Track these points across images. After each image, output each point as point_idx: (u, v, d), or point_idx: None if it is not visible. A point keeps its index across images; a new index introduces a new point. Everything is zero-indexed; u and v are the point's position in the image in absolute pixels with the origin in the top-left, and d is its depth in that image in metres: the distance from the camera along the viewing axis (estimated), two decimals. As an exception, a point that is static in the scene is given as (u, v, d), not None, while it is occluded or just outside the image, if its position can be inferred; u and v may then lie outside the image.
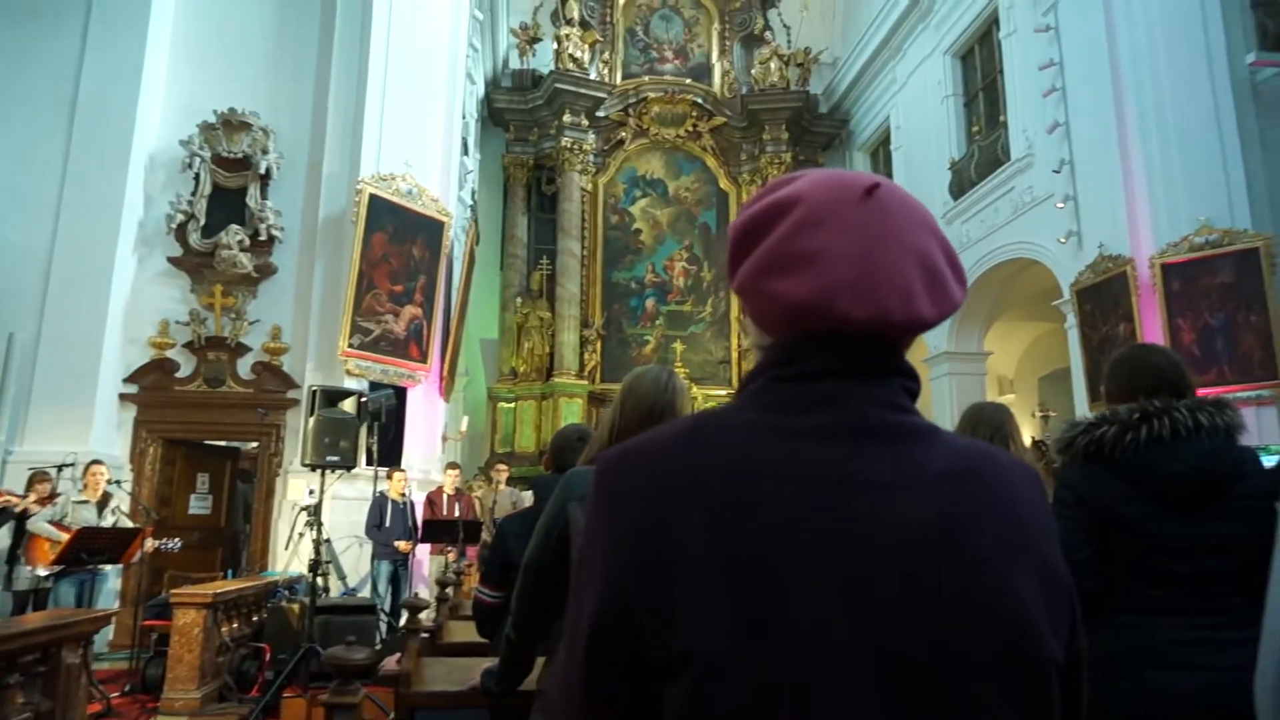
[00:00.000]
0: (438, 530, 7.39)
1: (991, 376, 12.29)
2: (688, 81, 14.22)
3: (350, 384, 7.73)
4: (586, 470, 1.84)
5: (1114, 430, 1.85)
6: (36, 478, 6.62)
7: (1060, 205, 9.04)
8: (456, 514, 7.79)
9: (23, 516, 6.30)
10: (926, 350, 11.49)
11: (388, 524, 7.41)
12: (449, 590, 3.50)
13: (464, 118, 10.61)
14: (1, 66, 8.22)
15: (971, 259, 10.51)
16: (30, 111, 8.17)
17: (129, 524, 6.49)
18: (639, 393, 1.88)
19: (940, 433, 0.72)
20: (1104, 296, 8.52)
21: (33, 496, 6.32)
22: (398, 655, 2.27)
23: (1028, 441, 5.09)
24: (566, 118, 13.48)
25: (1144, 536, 1.78)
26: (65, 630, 4.00)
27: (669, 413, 1.85)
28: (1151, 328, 8.02)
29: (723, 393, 13.34)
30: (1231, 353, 7.70)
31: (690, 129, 14.14)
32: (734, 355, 13.69)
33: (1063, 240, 9.00)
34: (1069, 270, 8.98)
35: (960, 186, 11.10)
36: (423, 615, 2.44)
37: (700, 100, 14.08)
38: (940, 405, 10.89)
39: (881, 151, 13.84)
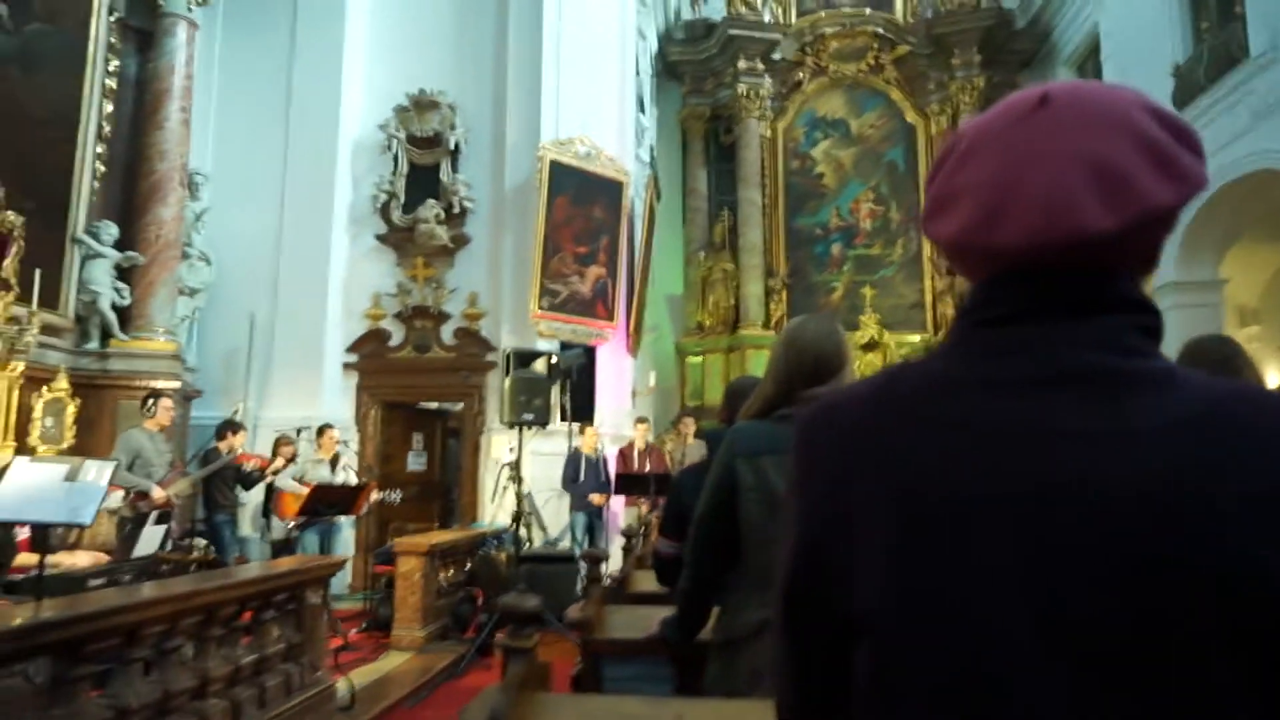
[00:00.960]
0: (630, 483, 7.64)
1: (1231, 307, 10.93)
2: (867, 11, 13.46)
3: (542, 345, 8.10)
4: (749, 426, 1.83)
5: None
6: (281, 441, 7.46)
7: (1315, 104, 7.82)
8: (648, 468, 8.00)
9: (273, 476, 7.14)
10: (1150, 282, 10.38)
11: (582, 478, 7.75)
12: (634, 541, 3.61)
13: (638, 74, 10.67)
14: (229, 74, 9.21)
15: (1203, 175, 9.32)
16: (254, 112, 9.11)
17: (356, 480, 7.18)
18: (803, 342, 1.83)
19: (1180, 375, 0.62)
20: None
21: (279, 460, 7.12)
22: (581, 602, 2.38)
23: (1272, 382, 4.49)
24: (741, 64, 13.19)
25: None
26: (308, 574, 4.51)
27: (837, 359, 1.80)
28: None
29: (916, 338, 12.77)
30: None
31: (872, 62, 13.42)
32: (928, 299, 13.02)
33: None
34: (1330, 179, 7.77)
35: (1186, 94, 9.84)
36: (603, 565, 2.53)
37: (881, 30, 13.30)
38: (1169, 344, 9.80)
39: (1090, 64, 12.50)
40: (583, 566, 7.43)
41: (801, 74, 13.58)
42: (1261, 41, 8.63)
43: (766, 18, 13.47)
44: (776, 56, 13.41)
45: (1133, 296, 0.64)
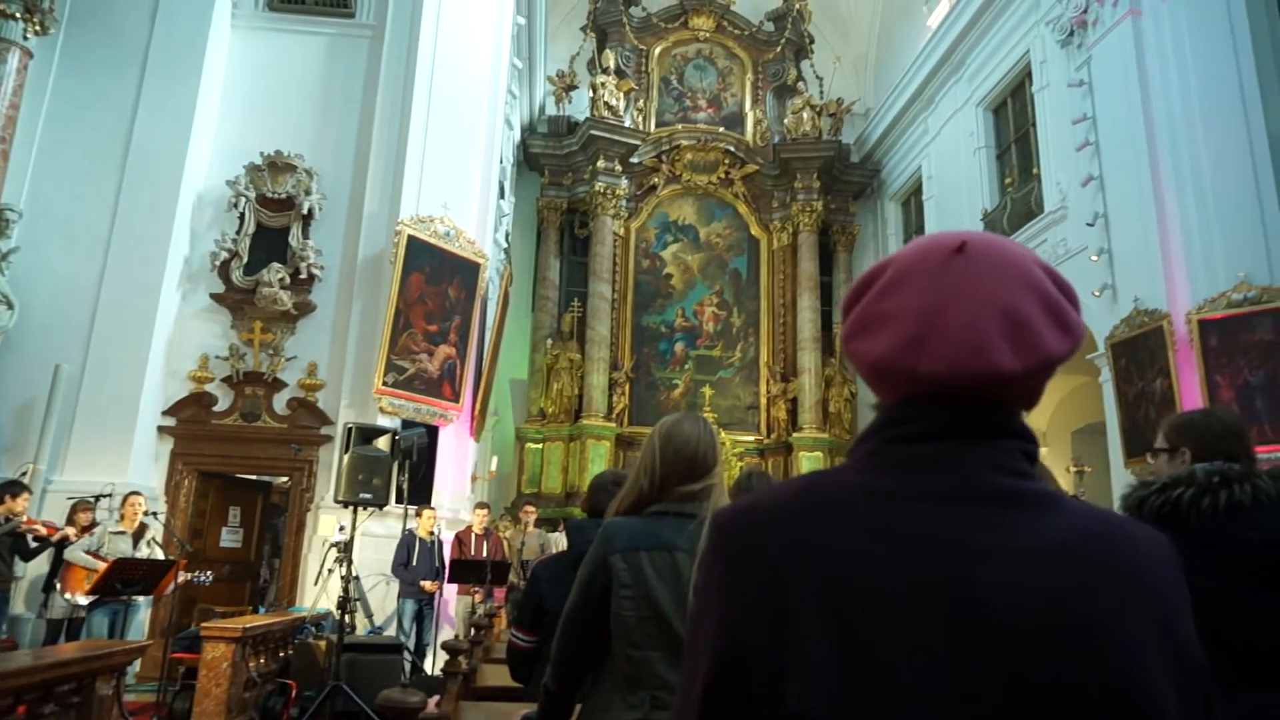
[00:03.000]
0: (466, 570, 7.38)
1: (1023, 429, 12.10)
2: (721, 130, 14.42)
3: (383, 421, 7.81)
4: (624, 521, 1.81)
5: (1191, 493, 1.72)
6: (79, 506, 6.73)
7: (1095, 259, 9.00)
8: (485, 554, 7.78)
9: (61, 545, 6.39)
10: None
11: (414, 562, 7.42)
12: (481, 633, 3.49)
13: (501, 162, 10.82)
14: (63, 105, 8.52)
15: (1004, 310, 10.44)
16: (86, 149, 8.45)
17: (163, 556, 6.55)
18: (679, 439, 1.85)
19: (1063, 499, 0.71)
20: (1140, 351, 8.42)
21: (73, 527, 6.41)
22: (436, 698, 2.28)
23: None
24: (601, 163, 13.69)
25: (1219, 608, 1.67)
26: (100, 661, 4.03)
27: (710, 457, 1.83)
28: (1189, 383, 7.91)
29: (750, 438, 13.29)
30: (1273, 410, 7.56)
31: (722, 176, 14.29)
32: (762, 401, 13.66)
33: (1096, 294, 8.93)
34: (1103, 324, 8.89)
35: (993, 237, 11.07)
36: (460, 658, 2.44)
37: (733, 148, 14.25)
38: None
39: (913, 202, 13.88)
40: (408, 657, 7.06)
41: (657, 179, 14.25)
42: (1053, 200, 9.91)
43: (627, 123, 14.13)
44: (634, 160, 14.04)
45: (1024, 426, 0.72)
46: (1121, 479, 8.49)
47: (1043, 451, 12.79)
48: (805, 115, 14.14)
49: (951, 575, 0.64)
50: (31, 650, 5.57)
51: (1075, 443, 12.78)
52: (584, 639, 1.77)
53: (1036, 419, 12.90)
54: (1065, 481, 11.70)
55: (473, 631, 3.38)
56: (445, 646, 2.40)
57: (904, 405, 0.72)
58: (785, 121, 14.44)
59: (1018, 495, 0.69)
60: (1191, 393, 7.81)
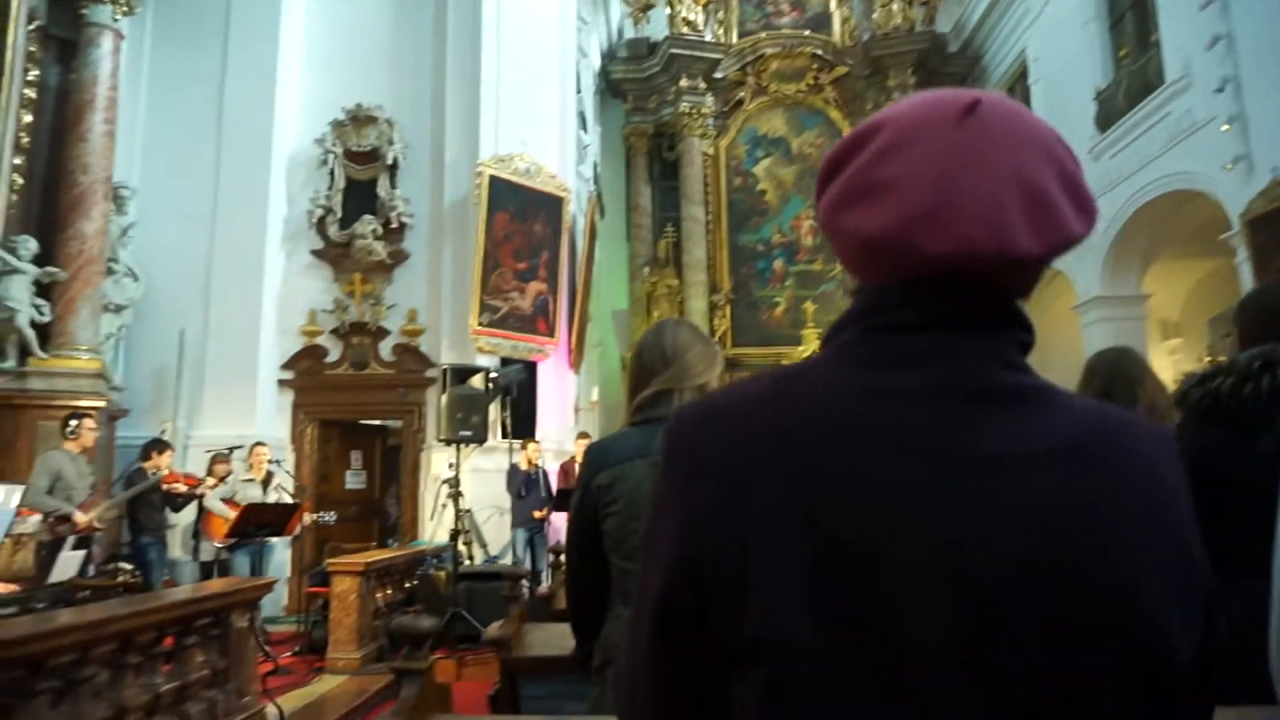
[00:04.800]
0: (568, 498, 7.60)
1: (1154, 321, 11.34)
2: (806, 33, 13.76)
3: (482, 361, 8.05)
4: (607, 439, 1.78)
5: (1231, 381, 1.59)
6: (216, 459, 7.26)
7: (1226, 128, 8.17)
8: (588, 483, 7.97)
9: (202, 496, 6.94)
10: (1075, 296, 10.74)
11: (524, 493, 7.70)
12: (561, 558, 3.59)
13: (579, 92, 10.71)
14: (159, 87, 8.98)
15: (1124, 195, 9.70)
16: (185, 122, 8.90)
17: (289, 500, 7.02)
18: (655, 344, 1.76)
19: (1062, 395, 0.63)
20: None
21: (209, 480, 6.94)
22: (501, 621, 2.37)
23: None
24: (684, 82, 13.35)
25: (1267, 501, 1.58)
26: (233, 597, 4.38)
27: (693, 359, 1.74)
28: (1338, 257, 7.16)
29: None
30: None
31: (811, 82, 13.70)
32: (867, 313, 13.27)
33: (1229, 167, 8.13)
34: (1238, 199, 8.11)
35: (1108, 117, 10.22)
36: (525, 582, 2.51)
37: (820, 51, 13.59)
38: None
39: (1019, 87, 12.92)
40: (524, 583, 7.39)
41: (743, 93, 13.79)
42: (1175, 68, 9.01)
43: (708, 37, 13.67)
44: (718, 75, 13.61)
45: (1023, 315, 0.65)
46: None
47: (1176, 342, 12.00)
48: (895, 7, 13.30)
49: (946, 484, 0.57)
50: (181, 587, 6.12)
51: (1212, 330, 11.87)
52: (588, 563, 1.75)
53: (1168, 308, 12.07)
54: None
55: (552, 557, 3.48)
56: (505, 573, 2.47)
57: (893, 289, 0.63)
58: (874, 16, 13.62)
59: (1018, 391, 0.61)
60: (1340, 267, 7.07)
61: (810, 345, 12.44)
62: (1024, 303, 0.66)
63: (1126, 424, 0.64)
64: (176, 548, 7.79)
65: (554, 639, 2.38)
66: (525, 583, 7.31)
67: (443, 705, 1.45)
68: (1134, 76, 9.76)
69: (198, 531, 7.07)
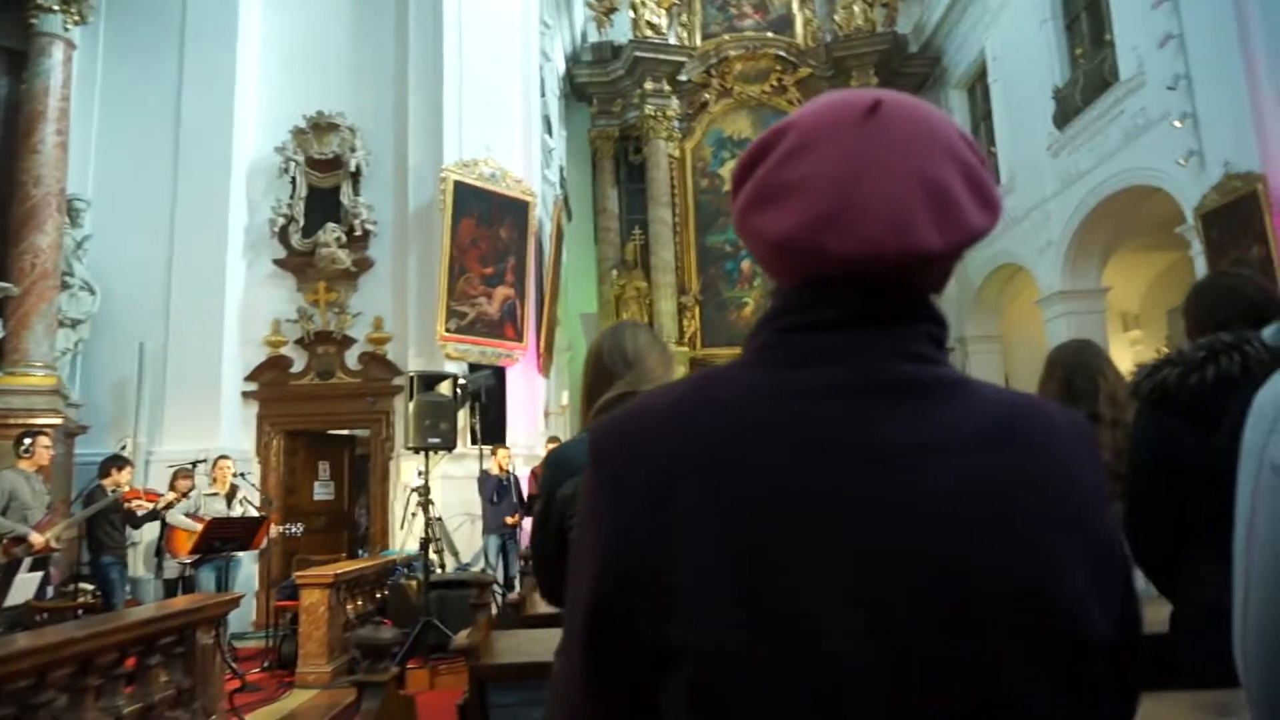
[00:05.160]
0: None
1: (1114, 313, 11.55)
2: (769, 35, 13.84)
3: (450, 367, 7.98)
4: (566, 446, 1.75)
5: (1177, 371, 1.63)
6: (179, 474, 7.13)
7: (1178, 124, 8.33)
8: (559, 488, 7.93)
9: (165, 511, 6.81)
10: (1038, 291, 10.90)
11: (495, 499, 7.64)
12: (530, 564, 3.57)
13: (543, 96, 10.68)
14: (113, 97, 8.81)
15: (1083, 191, 9.87)
16: (141, 132, 8.74)
17: (255, 513, 6.91)
18: (608, 350, 1.74)
19: (975, 385, 0.64)
20: (1232, 219, 7.83)
21: (170, 495, 6.81)
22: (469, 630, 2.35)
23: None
24: (648, 85, 13.37)
25: (1217, 488, 1.59)
26: (197, 614, 4.30)
27: (645, 362, 1.72)
28: (1289, 248, 7.33)
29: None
30: (1385, 269, 6.96)
31: (775, 84, 13.78)
32: (835, 312, 13.37)
33: (1183, 162, 8.30)
34: (1191, 194, 8.29)
35: (1066, 115, 10.40)
36: (496, 588, 2.49)
37: (783, 53, 13.68)
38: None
39: (978, 87, 13.12)
40: (496, 590, 7.33)
41: (707, 95, 13.84)
42: (1130, 66, 9.19)
43: (672, 40, 13.71)
44: (683, 78, 13.65)
45: (933, 309, 0.65)
46: (1217, 357, 8.00)
47: (1136, 334, 12.21)
48: (856, 9, 13.43)
49: (858, 479, 0.58)
50: (138, 607, 6.00)
51: (1171, 322, 12.11)
52: (555, 574, 1.72)
53: (1128, 301, 12.30)
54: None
55: (522, 563, 3.45)
56: (473, 580, 2.45)
57: (803, 290, 0.64)
58: (836, 18, 13.75)
59: (927, 384, 0.62)
60: (1291, 258, 7.24)
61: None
62: (937, 296, 0.67)
63: (1039, 412, 0.65)
64: (139, 566, 7.64)
65: (524, 645, 2.35)
66: (497, 589, 7.30)
67: (407, 717, 1.42)
68: (1090, 75, 9.94)
69: (161, 549, 6.94)
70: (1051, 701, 0.56)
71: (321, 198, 8.79)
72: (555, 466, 1.70)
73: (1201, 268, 8.35)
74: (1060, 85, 10.55)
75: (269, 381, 8.72)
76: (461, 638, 2.33)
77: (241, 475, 7.15)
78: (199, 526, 6.24)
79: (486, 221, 8.51)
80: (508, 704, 2.24)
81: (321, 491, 9.16)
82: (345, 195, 8.79)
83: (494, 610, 6.83)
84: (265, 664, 6.33)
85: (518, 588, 7.73)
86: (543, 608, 3.29)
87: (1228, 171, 7.84)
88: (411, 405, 6.41)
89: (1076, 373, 2.33)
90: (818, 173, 0.62)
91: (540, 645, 2.38)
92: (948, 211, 0.61)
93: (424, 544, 6.12)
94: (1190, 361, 1.63)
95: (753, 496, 0.57)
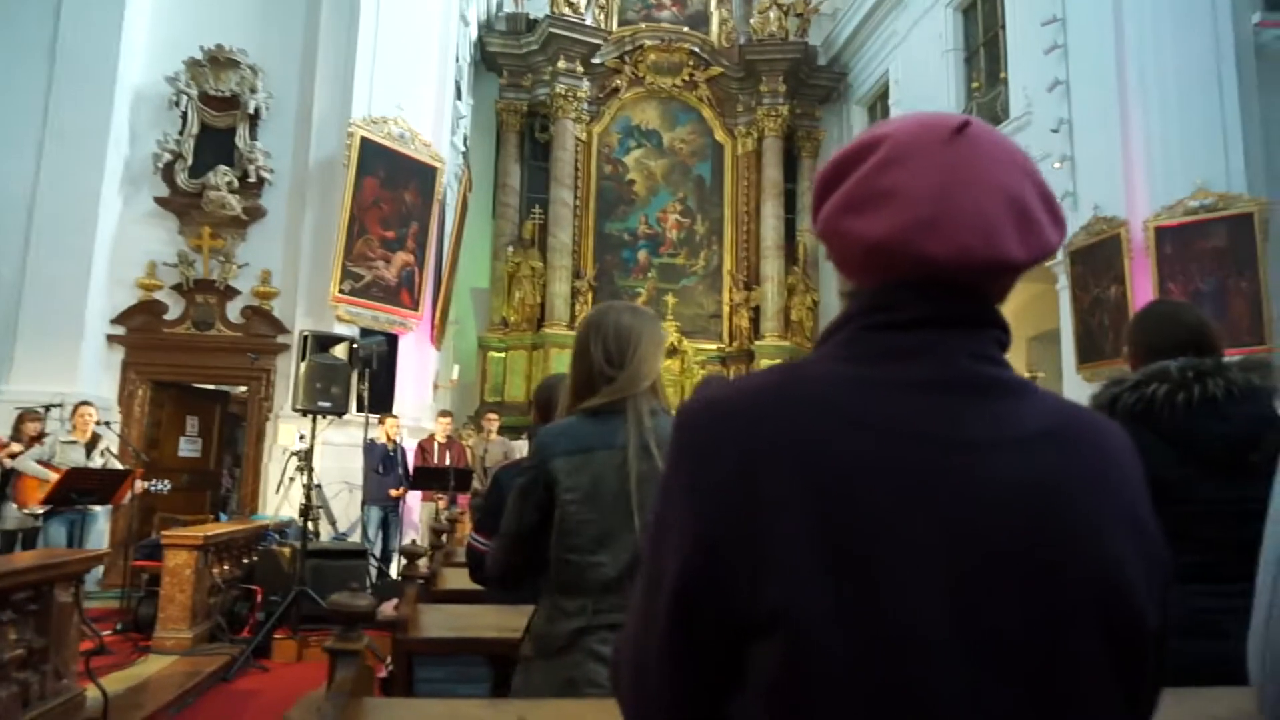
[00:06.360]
0: (429, 477, 7.42)
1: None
2: (685, 29, 13.94)
3: (341, 330, 7.69)
4: (563, 426, 1.74)
5: (1165, 389, 1.73)
6: (26, 416, 6.59)
7: (1058, 165, 8.98)
8: (448, 462, 7.82)
9: (12, 458, 6.28)
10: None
11: (381, 470, 7.44)
12: (443, 537, 3.52)
13: (457, 60, 10.40)
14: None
15: (966, 218, 10.48)
16: (8, 43, 7.92)
17: (118, 465, 6.48)
18: (610, 329, 1.73)
19: (1033, 388, 0.70)
20: (1097, 258, 8.52)
21: (19, 440, 6.28)
22: (395, 601, 2.29)
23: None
24: (561, 64, 13.22)
25: (1188, 503, 1.67)
26: (57, 569, 4.01)
27: (645, 349, 1.73)
28: (1143, 290, 8.04)
29: (712, 346, 13.35)
30: (1220, 317, 7.73)
31: (687, 78, 13.90)
32: (725, 309, 13.67)
33: (1059, 201, 8.95)
34: (1063, 232, 8.95)
35: (958, 144, 11.00)
36: (420, 562, 2.45)
37: (698, 49, 13.82)
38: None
39: (879, 106, 13.68)
40: (374, 563, 7.15)
41: (619, 81, 13.82)
42: (1019, 105, 9.82)
43: (589, 21, 13.60)
44: (596, 61, 13.57)
45: (1000, 316, 0.72)
46: (1074, 385, 8.70)
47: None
48: (772, 15, 13.71)
49: (940, 466, 0.63)
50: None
51: (1030, 349, 13.02)
52: (523, 550, 1.72)
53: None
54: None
55: (434, 536, 3.40)
56: (404, 551, 2.40)
57: (888, 291, 0.70)
58: (751, 21, 13.99)
59: (999, 384, 0.68)
60: (1145, 299, 7.93)
61: (669, 337, 12.66)
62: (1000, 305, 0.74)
63: (1090, 416, 0.72)
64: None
65: (448, 620, 2.34)
66: (373, 561, 7.13)
67: (367, 690, 1.40)
68: (984, 108, 10.55)
69: (3, 495, 6.40)
70: (1110, 687, 0.63)
71: (214, 138, 8.24)
72: (546, 442, 1.70)
73: (1065, 301, 9.05)
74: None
75: (139, 326, 8.13)
76: (388, 609, 2.29)
77: (106, 424, 6.67)
78: (54, 476, 5.79)
79: (391, 184, 8.23)
80: (435, 679, 2.23)
81: (188, 448, 8.64)
82: (241, 138, 8.28)
83: (369, 582, 6.70)
84: (118, 626, 5.95)
85: (395, 562, 7.58)
86: (453, 583, 3.25)
87: (1096, 214, 8.51)
88: (303, 366, 6.14)
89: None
90: (914, 182, 0.68)
91: (466, 621, 2.37)
92: (1029, 226, 0.68)
93: (304, 511, 5.89)
94: (1178, 381, 1.74)
95: (841, 477, 0.62)
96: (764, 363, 12.94)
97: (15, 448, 6.25)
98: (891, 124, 0.73)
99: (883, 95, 13.37)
